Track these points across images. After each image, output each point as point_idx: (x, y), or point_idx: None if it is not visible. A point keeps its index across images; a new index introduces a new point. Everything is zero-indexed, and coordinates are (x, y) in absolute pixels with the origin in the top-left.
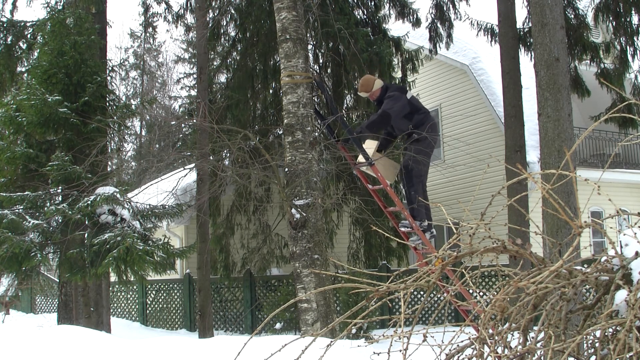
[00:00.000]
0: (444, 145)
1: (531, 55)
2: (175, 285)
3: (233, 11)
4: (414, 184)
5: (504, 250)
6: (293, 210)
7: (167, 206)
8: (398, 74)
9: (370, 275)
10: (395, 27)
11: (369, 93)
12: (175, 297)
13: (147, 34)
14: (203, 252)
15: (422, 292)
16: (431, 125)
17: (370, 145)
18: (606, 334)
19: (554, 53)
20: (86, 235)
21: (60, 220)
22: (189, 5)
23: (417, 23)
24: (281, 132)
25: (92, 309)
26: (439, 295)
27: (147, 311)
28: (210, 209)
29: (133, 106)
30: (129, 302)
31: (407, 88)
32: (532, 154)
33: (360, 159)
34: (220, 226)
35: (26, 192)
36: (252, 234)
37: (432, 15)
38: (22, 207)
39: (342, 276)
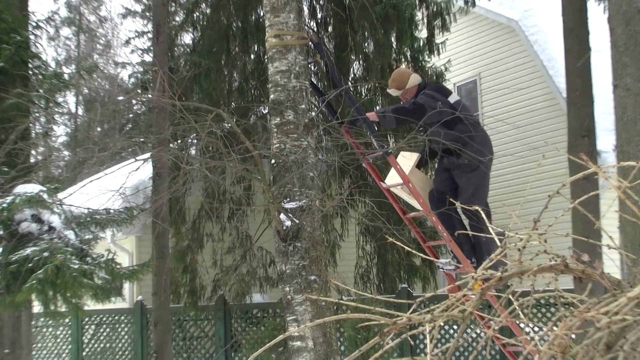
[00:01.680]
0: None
1: (604, 7)
2: (123, 318)
3: None
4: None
5: (566, 269)
6: (282, 216)
7: (112, 210)
8: (423, 34)
9: (385, 302)
10: None
11: (401, 91)
12: (123, 333)
13: None
14: (161, 273)
15: (454, 326)
16: (481, 141)
17: (408, 158)
18: None
19: (637, 2)
20: (1, 250)
21: None
22: None
23: None
24: (266, 111)
25: (6, 350)
26: (477, 330)
27: (84, 353)
28: (171, 214)
29: (66, 75)
30: (58, 340)
31: (451, 90)
32: (605, 140)
33: (392, 176)
34: (185, 237)
35: None
36: (228, 248)
37: None
38: None
39: (347, 304)
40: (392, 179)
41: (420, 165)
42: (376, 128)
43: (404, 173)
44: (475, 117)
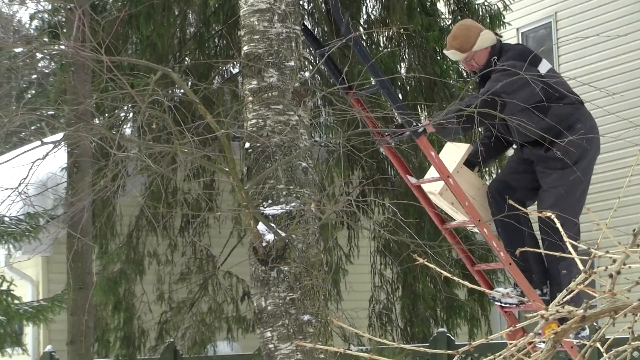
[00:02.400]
0: None
1: None
2: None
3: None
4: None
5: None
6: (261, 227)
7: (8, 218)
8: None
9: (415, 353)
10: None
11: (465, 54)
12: None
13: None
14: (80, 311)
15: None
16: (585, 128)
17: (454, 151)
18: None
19: None
20: None
21: None
22: None
23: None
24: (237, 70)
25: None
26: None
27: None
28: (95, 224)
29: None
30: None
31: (540, 55)
32: None
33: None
34: (117, 258)
35: None
36: (180, 274)
37: None
38: None
39: (359, 355)
40: (431, 178)
41: (473, 162)
42: (400, 96)
43: (444, 167)
44: (577, 96)
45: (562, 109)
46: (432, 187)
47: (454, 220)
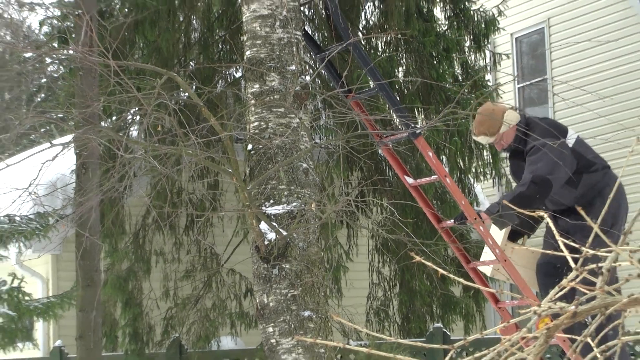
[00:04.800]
0: (554, 99)
1: None
2: None
3: None
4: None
5: None
6: (263, 226)
7: (17, 218)
8: None
9: (411, 348)
10: None
11: (495, 137)
12: None
13: None
14: (89, 307)
15: None
16: (615, 194)
17: (497, 231)
18: None
19: None
20: None
21: None
22: None
23: None
24: (240, 74)
25: None
26: None
27: None
28: (103, 223)
29: None
30: None
31: (566, 127)
32: None
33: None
34: (125, 256)
35: None
36: (185, 272)
37: None
38: None
39: (357, 350)
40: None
41: (516, 238)
42: (398, 99)
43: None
44: (604, 160)
45: (591, 177)
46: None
47: (447, 220)
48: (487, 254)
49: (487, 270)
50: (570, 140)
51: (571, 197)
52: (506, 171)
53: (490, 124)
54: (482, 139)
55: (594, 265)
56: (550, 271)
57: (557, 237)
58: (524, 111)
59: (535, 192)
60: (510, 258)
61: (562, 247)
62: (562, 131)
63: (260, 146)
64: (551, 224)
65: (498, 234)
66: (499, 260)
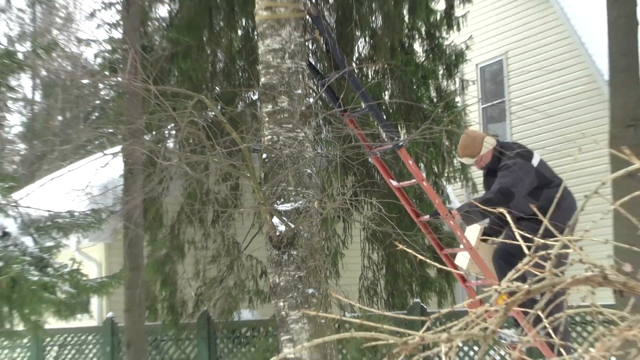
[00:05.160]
0: (510, 118)
1: None
2: (91, 338)
3: None
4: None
5: (604, 281)
6: (275, 220)
7: (77, 213)
8: (440, 5)
9: (395, 319)
10: None
11: (475, 158)
12: (90, 355)
13: None
14: (134, 286)
15: (475, 347)
16: (568, 206)
17: (471, 233)
18: None
19: None
20: None
21: None
22: None
23: None
24: (256, 97)
25: None
26: (501, 352)
27: None
28: (145, 218)
29: (20, 55)
30: None
31: (532, 151)
32: None
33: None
34: (162, 244)
35: None
36: (212, 257)
37: None
38: None
39: (351, 321)
40: (462, 257)
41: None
42: (385, 117)
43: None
44: (559, 178)
45: (550, 192)
46: (463, 258)
47: (424, 215)
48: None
49: (463, 264)
50: (535, 162)
51: (530, 208)
52: (472, 175)
53: (472, 148)
54: (466, 160)
55: (543, 252)
56: (505, 257)
57: (514, 228)
58: (498, 136)
59: (499, 199)
60: (481, 250)
61: (518, 237)
62: (529, 154)
63: (273, 155)
64: (510, 220)
65: (473, 235)
66: (466, 249)
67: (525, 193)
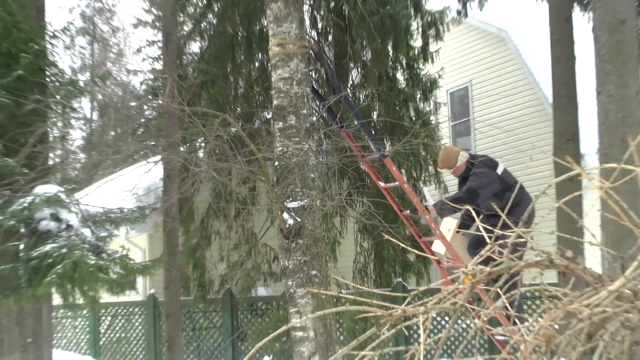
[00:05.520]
0: (474, 133)
1: (589, 17)
2: (137, 310)
3: None
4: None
5: (551, 265)
6: (285, 215)
7: (125, 210)
8: (418, 43)
9: (381, 296)
10: None
11: (452, 169)
12: (137, 324)
13: None
14: (171, 268)
15: (446, 318)
16: (526, 204)
17: (449, 225)
18: None
19: (619, 13)
20: (22, 246)
21: None
22: None
23: None
24: (270, 116)
25: (29, 340)
26: (468, 322)
27: (101, 342)
28: (180, 213)
29: (81, 82)
30: (77, 331)
31: (497, 161)
32: (588, 144)
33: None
34: (194, 235)
35: None
36: (234, 245)
37: None
38: None
39: (346, 297)
40: (438, 245)
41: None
42: (373, 132)
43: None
44: (520, 184)
45: (512, 194)
46: (439, 246)
47: (406, 210)
48: (437, 243)
49: (441, 251)
50: (499, 170)
51: (498, 207)
52: (444, 179)
53: (450, 161)
54: (445, 170)
55: (502, 241)
56: (477, 246)
57: (478, 223)
58: (470, 150)
59: (466, 198)
60: (453, 241)
61: (482, 230)
62: (494, 164)
63: (283, 163)
64: (475, 216)
65: (449, 227)
66: (439, 238)
67: (491, 195)
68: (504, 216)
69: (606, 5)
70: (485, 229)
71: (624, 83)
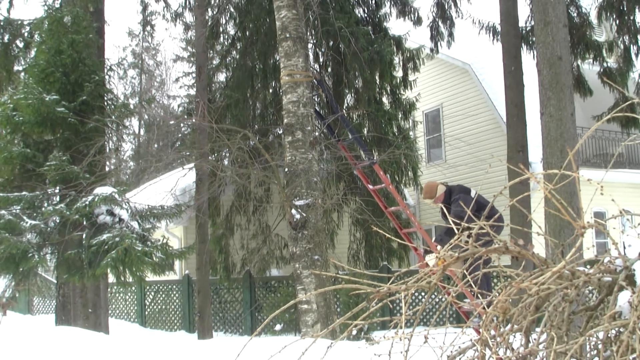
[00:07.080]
0: (445, 146)
1: (534, 54)
2: (174, 287)
3: (232, 9)
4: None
5: (506, 251)
6: (293, 211)
7: (165, 207)
8: (399, 73)
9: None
10: (396, 26)
11: (434, 199)
12: (174, 298)
13: (146, 33)
14: (202, 253)
15: (423, 293)
16: (497, 218)
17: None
18: (609, 335)
19: (557, 52)
20: (84, 236)
21: (57, 221)
22: (187, 3)
23: (418, 21)
24: (281, 131)
25: (90, 310)
26: (440, 297)
27: (146, 312)
28: (209, 210)
29: (131, 105)
30: (127, 303)
31: (469, 188)
32: (535, 154)
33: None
34: (220, 227)
35: (23, 193)
36: (252, 235)
37: (434, 14)
38: (19, 207)
39: (342, 277)
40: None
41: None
42: (365, 144)
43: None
44: (491, 203)
45: (483, 212)
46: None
47: (390, 207)
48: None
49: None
50: (473, 194)
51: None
52: (420, 181)
53: (431, 193)
54: (428, 200)
55: (467, 232)
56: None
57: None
58: (447, 183)
59: (456, 222)
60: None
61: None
62: (468, 190)
63: (292, 169)
64: (449, 217)
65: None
66: (417, 229)
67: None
68: (480, 223)
69: (546, 44)
70: (454, 223)
71: (562, 106)
